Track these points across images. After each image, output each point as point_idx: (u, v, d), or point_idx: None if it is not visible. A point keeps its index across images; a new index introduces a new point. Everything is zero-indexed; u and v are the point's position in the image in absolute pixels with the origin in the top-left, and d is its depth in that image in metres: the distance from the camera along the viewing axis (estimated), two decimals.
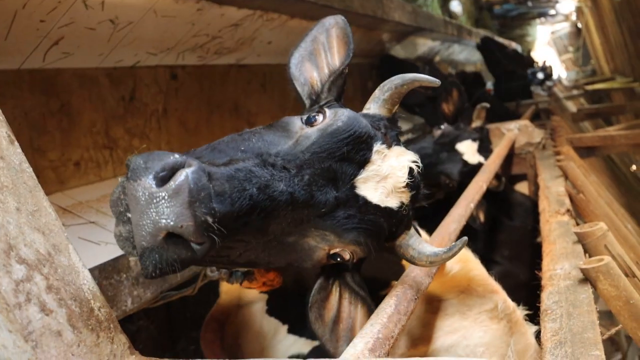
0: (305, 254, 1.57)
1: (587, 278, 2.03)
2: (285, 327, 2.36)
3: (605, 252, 2.28)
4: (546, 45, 30.37)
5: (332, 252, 1.57)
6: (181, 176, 1.15)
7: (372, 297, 1.77)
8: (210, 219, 1.17)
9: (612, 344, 4.91)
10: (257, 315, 2.45)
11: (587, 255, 2.34)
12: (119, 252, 2.32)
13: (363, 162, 1.54)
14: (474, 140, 4.31)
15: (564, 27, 28.41)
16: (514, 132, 5.03)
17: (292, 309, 2.32)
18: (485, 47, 9.13)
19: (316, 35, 1.86)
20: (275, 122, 1.65)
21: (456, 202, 2.64)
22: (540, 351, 1.73)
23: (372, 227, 1.54)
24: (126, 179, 1.18)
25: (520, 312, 2.28)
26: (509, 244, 4.40)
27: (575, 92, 12.55)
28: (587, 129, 9.72)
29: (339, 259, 1.59)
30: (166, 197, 1.14)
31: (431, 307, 2.23)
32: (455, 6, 12.78)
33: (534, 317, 2.23)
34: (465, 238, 1.61)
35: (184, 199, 1.14)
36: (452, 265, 2.21)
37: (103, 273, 2.19)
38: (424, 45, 8.04)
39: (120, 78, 3.18)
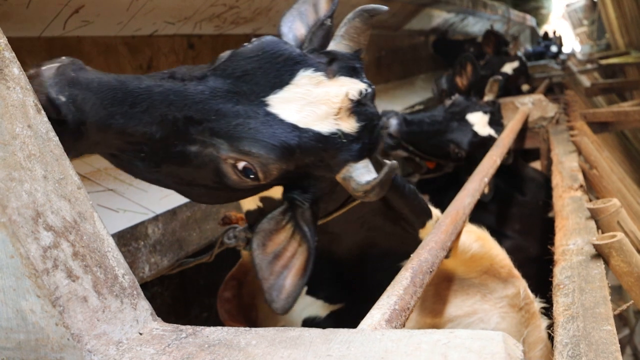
0: (211, 168, 1.57)
1: (599, 254, 2.05)
2: (305, 288, 2.37)
3: (617, 229, 2.30)
4: (561, 18, 30.06)
5: (237, 164, 1.54)
6: (51, 64, 1.45)
7: (391, 270, 1.78)
8: (62, 97, 1.42)
9: (620, 320, 4.95)
10: None
11: (599, 231, 2.36)
12: (137, 219, 2.37)
13: (279, 83, 1.55)
14: (485, 112, 4.32)
15: (579, 0, 28.09)
16: (528, 106, 5.02)
17: (313, 271, 2.33)
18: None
19: None
20: None
21: (470, 177, 2.65)
22: (550, 348, 1.75)
23: (274, 140, 1.51)
24: None
25: (537, 304, 2.30)
26: (520, 218, 4.42)
27: (589, 66, 12.45)
28: (601, 103, 9.68)
29: (252, 176, 1.55)
30: (33, 76, 1.42)
31: (452, 284, 2.24)
32: None
33: (545, 293, 2.25)
34: (394, 162, 1.56)
35: (43, 79, 1.42)
36: (471, 244, 2.20)
37: (121, 240, 2.23)
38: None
39: (139, 47, 3.19)
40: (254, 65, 1.55)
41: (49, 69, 1.43)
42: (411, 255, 1.81)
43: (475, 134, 4.22)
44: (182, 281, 3.87)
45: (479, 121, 4.27)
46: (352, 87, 1.61)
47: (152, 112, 1.48)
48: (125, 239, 2.24)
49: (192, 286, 3.99)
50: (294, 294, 1.61)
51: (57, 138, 1.38)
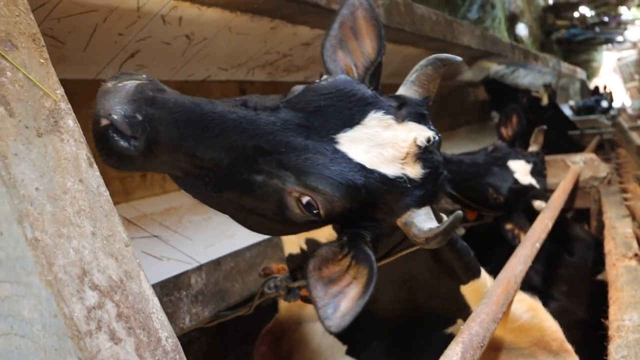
0: (274, 199, 1.57)
1: None
2: (345, 347, 2.31)
3: None
4: (611, 72, 29.86)
5: (302, 198, 1.53)
6: (130, 81, 1.41)
7: (438, 336, 1.72)
8: (139, 116, 1.37)
9: None
10: (317, 333, 2.40)
11: None
12: (180, 268, 2.34)
13: (349, 122, 1.56)
14: (528, 162, 4.25)
15: (631, 55, 27.88)
16: (579, 165, 4.93)
17: (354, 330, 2.27)
18: (493, 87, 8.69)
19: (343, 20, 1.84)
20: None
21: (521, 242, 2.58)
22: None
23: (341, 179, 1.51)
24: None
25: None
26: (567, 279, 4.30)
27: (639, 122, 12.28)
28: None
29: (315, 212, 1.54)
30: (111, 91, 1.39)
31: (499, 353, 2.16)
32: (522, 30, 12.60)
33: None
34: (460, 212, 1.51)
35: (121, 96, 1.37)
36: (522, 313, 2.13)
37: (164, 290, 2.20)
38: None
39: (191, 91, 3.18)
40: (327, 102, 1.56)
41: (127, 85, 1.41)
42: (461, 321, 1.75)
43: (516, 181, 4.14)
44: (220, 327, 3.82)
45: (521, 169, 4.20)
46: (421, 133, 1.61)
47: (223, 138, 1.48)
48: (168, 288, 2.21)
49: (230, 333, 3.95)
50: (351, 313, 1.54)
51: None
